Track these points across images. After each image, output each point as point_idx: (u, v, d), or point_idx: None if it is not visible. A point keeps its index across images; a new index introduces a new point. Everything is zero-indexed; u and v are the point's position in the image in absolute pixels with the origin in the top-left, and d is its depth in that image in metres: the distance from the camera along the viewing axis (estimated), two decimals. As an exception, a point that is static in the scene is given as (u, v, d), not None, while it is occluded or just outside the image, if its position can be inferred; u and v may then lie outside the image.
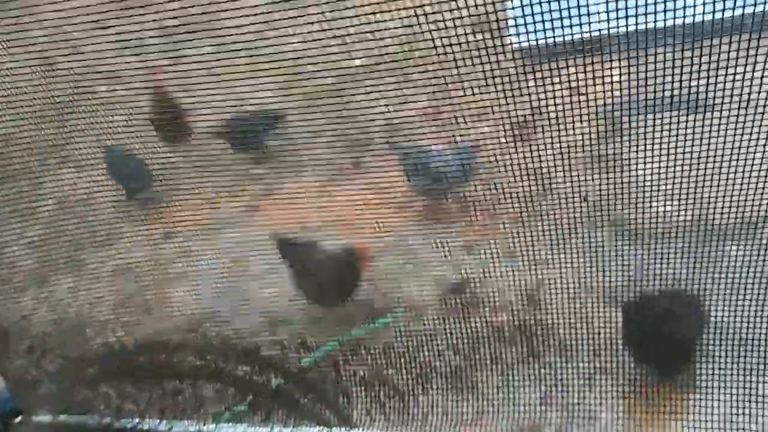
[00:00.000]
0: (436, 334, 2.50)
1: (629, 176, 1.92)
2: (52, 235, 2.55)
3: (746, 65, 1.44)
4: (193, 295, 2.67)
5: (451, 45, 1.61)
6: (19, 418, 2.63)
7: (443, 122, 2.22)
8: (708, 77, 1.43)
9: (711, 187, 1.83)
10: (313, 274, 2.68)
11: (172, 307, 2.69)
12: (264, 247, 2.59)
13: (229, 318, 2.63)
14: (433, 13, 1.57)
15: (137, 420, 2.59)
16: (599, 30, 1.46)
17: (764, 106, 1.52)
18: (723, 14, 1.32)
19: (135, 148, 2.51)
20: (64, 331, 2.69)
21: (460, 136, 2.05)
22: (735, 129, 1.61)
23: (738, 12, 1.31)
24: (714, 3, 1.31)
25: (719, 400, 2.13)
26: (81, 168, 2.61)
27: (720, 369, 2.14)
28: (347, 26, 1.79)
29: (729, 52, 1.44)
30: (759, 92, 1.48)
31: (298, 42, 1.84)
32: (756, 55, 1.44)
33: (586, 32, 1.45)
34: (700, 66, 1.42)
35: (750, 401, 2.09)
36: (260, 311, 2.64)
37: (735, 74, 1.44)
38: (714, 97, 1.50)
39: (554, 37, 1.50)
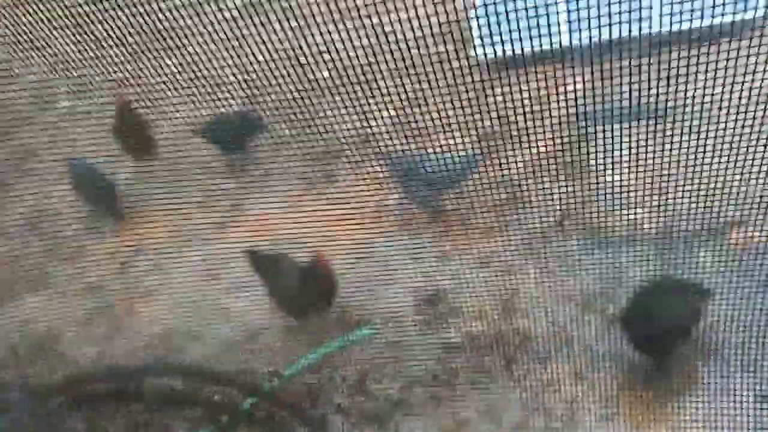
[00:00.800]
0: (414, 344, 2.48)
1: (596, 184, 1.93)
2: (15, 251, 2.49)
3: (706, 74, 1.45)
4: (161, 313, 2.61)
5: (419, 56, 1.61)
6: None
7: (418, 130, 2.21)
8: (668, 87, 1.44)
9: (676, 194, 1.84)
10: (287, 287, 2.64)
11: (139, 328, 2.63)
12: (236, 262, 2.55)
13: (198, 336, 2.58)
14: (398, 21, 1.56)
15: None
16: (560, 41, 1.47)
17: (724, 113, 1.54)
18: (680, 26, 1.34)
19: (99, 161, 2.47)
20: (23, 358, 2.60)
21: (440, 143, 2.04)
22: (697, 136, 1.63)
23: (696, 24, 1.33)
24: (671, 15, 1.32)
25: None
26: (45, 182, 2.55)
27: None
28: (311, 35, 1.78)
29: (687, 62, 1.45)
30: (719, 100, 1.50)
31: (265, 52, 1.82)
32: (714, 62, 1.46)
33: (548, 44, 1.46)
34: (659, 76, 1.44)
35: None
36: (232, 327, 2.60)
37: (695, 83, 1.46)
38: (674, 106, 1.51)
39: (517, 47, 1.50)
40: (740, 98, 1.47)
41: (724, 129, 1.57)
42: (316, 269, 2.50)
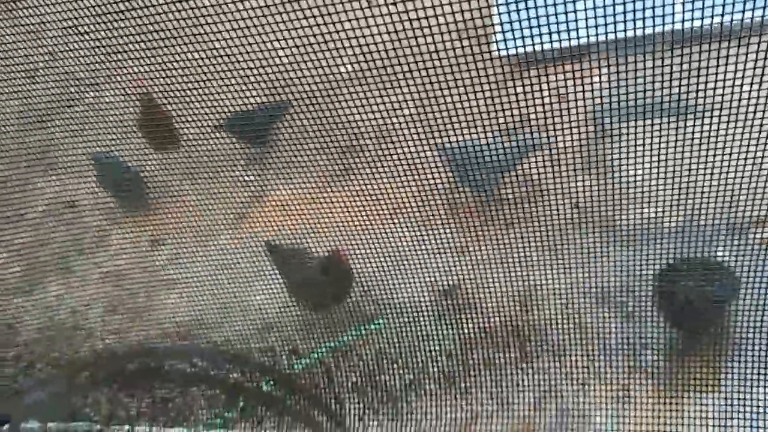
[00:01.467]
0: (429, 337, 2.50)
1: (618, 181, 1.93)
2: (40, 241, 2.54)
3: (735, 71, 1.44)
4: (183, 301, 2.66)
5: (437, 52, 1.62)
6: (6, 427, 2.62)
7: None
8: (689, 83, 1.44)
9: (699, 191, 1.83)
10: (305, 279, 2.67)
11: (162, 314, 2.69)
12: (255, 253, 2.58)
13: (219, 323, 2.63)
14: (419, 19, 1.57)
15: (127, 427, 2.58)
16: (583, 38, 1.47)
17: (747, 110, 1.52)
18: (702, 22, 1.33)
19: (124, 154, 2.51)
20: (53, 337, 2.68)
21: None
22: (722, 133, 1.62)
23: (718, 19, 1.32)
24: (692, 11, 1.32)
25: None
26: (68, 174, 2.60)
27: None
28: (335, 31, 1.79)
29: (711, 58, 1.44)
30: (740, 97, 1.48)
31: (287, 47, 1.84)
32: (744, 60, 1.45)
33: (571, 40, 1.46)
34: (681, 72, 1.43)
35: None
36: (251, 317, 2.64)
37: (716, 80, 1.45)
38: (696, 103, 1.51)
39: (540, 44, 1.50)
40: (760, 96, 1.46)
41: (750, 126, 1.56)
42: (333, 262, 2.52)
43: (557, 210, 2.06)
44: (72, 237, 2.58)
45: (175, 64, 1.91)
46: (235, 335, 2.63)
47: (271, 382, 2.60)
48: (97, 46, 1.93)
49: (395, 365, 2.53)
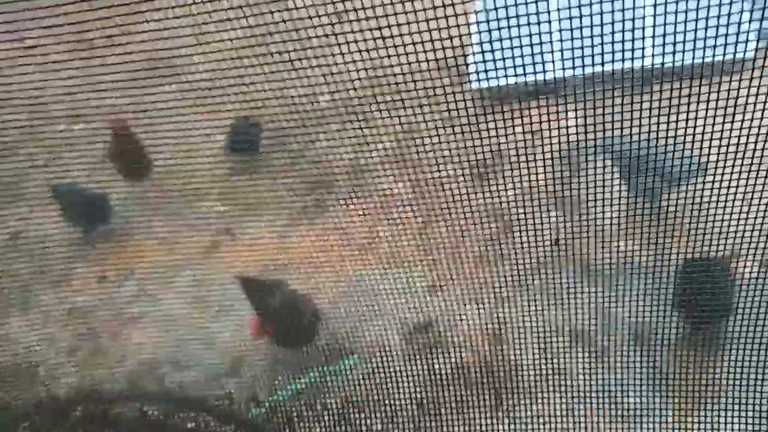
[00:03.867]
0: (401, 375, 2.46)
1: (588, 216, 1.96)
2: None
3: (697, 109, 1.50)
4: (137, 341, 2.57)
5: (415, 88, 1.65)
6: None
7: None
8: (659, 120, 1.48)
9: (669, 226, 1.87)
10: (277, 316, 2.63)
11: (112, 355, 2.59)
12: (223, 288, 2.54)
13: (175, 365, 2.54)
14: (397, 55, 1.60)
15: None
16: (555, 74, 1.51)
17: (718, 147, 1.57)
18: (674, 60, 1.38)
19: (91, 184, 2.46)
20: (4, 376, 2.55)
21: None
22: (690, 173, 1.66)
23: (687, 59, 1.38)
24: (663, 51, 1.37)
25: None
26: (34, 206, 2.54)
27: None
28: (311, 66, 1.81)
29: (675, 96, 1.49)
30: (709, 136, 1.53)
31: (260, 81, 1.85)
32: (704, 96, 1.50)
33: (543, 76, 1.50)
34: (650, 109, 1.48)
35: None
36: (210, 358, 2.56)
37: (687, 118, 1.50)
38: (666, 141, 1.55)
39: (511, 76, 1.54)
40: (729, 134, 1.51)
41: (715, 164, 1.61)
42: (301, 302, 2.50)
43: (531, 247, 2.08)
44: (34, 269, 2.50)
45: (151, 96, 1.91)
46: (191, 379, 2.55)
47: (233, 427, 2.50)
48: (71, 77, 1.91)
49: (362, 414, 2.48)
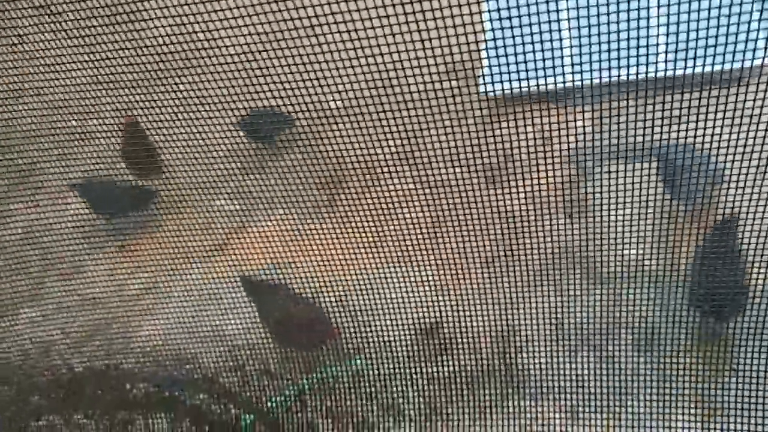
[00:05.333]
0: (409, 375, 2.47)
1: (597, 222, 1.95)
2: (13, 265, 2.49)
3: (706, 118, 1.49)
4: (151, 324, 2.61)
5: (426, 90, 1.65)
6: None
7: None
8: (670, 129, 1.48)
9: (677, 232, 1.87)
10: (283, 319, 2.65)
11: (127, 334, 2.63)
12: (232, 287, 2.56)
13: (189, 346, 2.57)
14: (409, 60, 1.60)
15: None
16: (566, 81, 1.51)
17: (725, 155, 1.57)
18: (685, 70, 1.38)
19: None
20: (7, 359, 2.59)
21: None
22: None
23: (698, 69, 1.37)
24: (676, 60, 1.37)
25: None
26: (51, 197, 2.57)
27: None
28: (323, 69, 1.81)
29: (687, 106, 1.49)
30: (718, 142, 1.53)
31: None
32: (713, 106, 1.49)
33: (555, 83, 1.50)
34: (662, 117, 1.47)
35: None
36: (224, 344, 2.59)
37: (696, 126, 1.50)
38: (676, 148, 1.55)
39: (526, 86, 1.54)
40: (739, 141, 1.50)
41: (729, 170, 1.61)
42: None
43: (539, 251, 2.09)
44: (47, 262, 2.53)
45: (164, 94, 1.92)
46: (205, 359, 2.58)
47: (245, 411, 2.54)
48: (85, 76, 1.93)
49: (372, 392, 2.49)
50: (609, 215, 1.87)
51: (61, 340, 2.63)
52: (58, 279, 2.65)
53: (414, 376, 2.47)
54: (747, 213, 1.77)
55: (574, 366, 2.37)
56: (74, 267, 2.67)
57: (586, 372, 2.35)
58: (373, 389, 2.48)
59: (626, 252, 1.95)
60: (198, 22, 1.75)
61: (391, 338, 2.56)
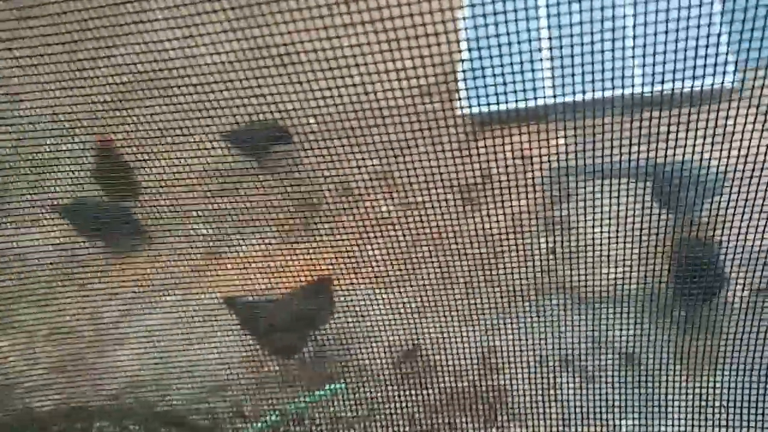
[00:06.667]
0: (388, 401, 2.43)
1: (576, 241, 1.95)
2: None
3: (686, 136, 1.50)
4: (123, 358, 2.53)
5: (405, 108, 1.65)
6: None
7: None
8: (648, 146, 1.49)
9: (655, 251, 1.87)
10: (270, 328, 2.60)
11: (97, 371, 2.54)
12: (208, 311, 2.51)
13: (160, 383, 2.50)
14: (388, 81, 1.60)
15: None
16: (545, 99, 1.51)
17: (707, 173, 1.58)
18: (663, 87, 1.39)
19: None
20: None
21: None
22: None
23: (677, 86, 1.38)
24: (653, 76, 1.38)
25: None
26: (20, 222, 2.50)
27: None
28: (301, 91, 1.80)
29: (668, 123, 1.50)
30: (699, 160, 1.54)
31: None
32: (695, 123, 1.51)
33: (532, 101, 1.50)
34: (640, 135, 1.48)
35: None
36: (197, 377, 2.52)
37: (676, 143, 1.51)
38: (655, 165, 1.56)
39: (504, 104, 1.54)
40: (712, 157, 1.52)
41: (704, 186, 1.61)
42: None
43: (518, 271, 2.07)
44: (18, 289, 2.45)
45: (141, 117, 1.89)
46: (177, 396, 2.50)
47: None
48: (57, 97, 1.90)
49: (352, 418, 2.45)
50: (586, 234, 1.87)
51: (30, 376, 2.54)
52: (29, 306, 2.57)
53: (395, 399, 2.43)
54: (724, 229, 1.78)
55: (556, 388, 2.35)
56: (46, 295, 2.60)
57: (567, 393, 2.33)
58: (352, 414, 2.43)
59: (606, 271, 1.95)
60: (172, 49, 1.73)
61: (370, 361, 2.52)
